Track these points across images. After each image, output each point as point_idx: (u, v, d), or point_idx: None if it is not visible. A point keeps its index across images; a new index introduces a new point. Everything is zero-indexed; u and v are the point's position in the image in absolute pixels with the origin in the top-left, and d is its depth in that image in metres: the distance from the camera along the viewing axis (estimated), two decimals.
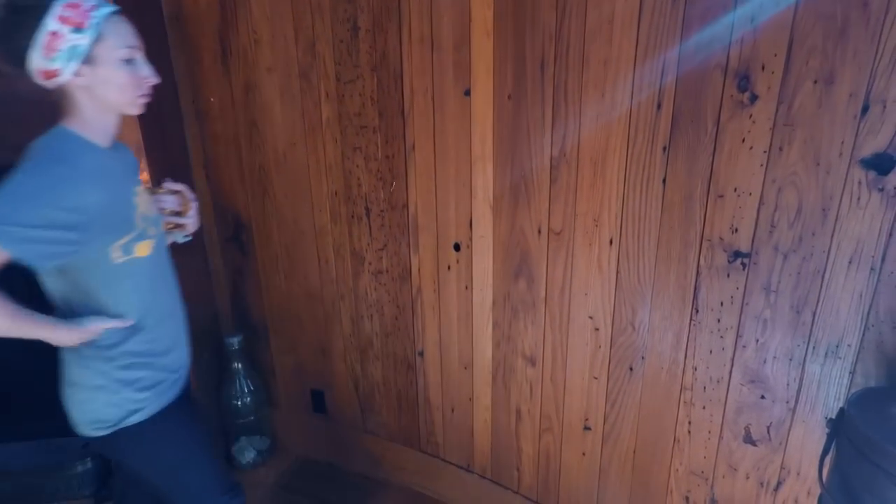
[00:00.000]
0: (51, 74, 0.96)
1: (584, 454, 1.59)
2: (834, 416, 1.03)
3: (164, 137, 1.81)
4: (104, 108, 1.03)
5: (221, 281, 2.12)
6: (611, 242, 1.36)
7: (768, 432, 1.24)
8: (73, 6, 0.94)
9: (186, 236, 1.37)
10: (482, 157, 1.49)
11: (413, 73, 1.52)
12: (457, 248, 1.61)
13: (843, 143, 1.02)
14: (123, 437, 1.15)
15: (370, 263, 1.80)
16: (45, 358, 1.93)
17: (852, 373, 1.11)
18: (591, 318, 1.45)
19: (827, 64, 1.01)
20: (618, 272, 1.37)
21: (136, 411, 1.14)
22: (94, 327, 1.07)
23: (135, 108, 1.07)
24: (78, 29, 0.94)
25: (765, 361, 1.21)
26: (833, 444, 1.01)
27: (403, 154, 1.63)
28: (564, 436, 1.61)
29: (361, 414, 2.03)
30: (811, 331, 1.13)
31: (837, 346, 1.11)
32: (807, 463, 1.20)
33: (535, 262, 1.50)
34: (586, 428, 1.56)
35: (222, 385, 2.11)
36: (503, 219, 1.52)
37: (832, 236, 1.07)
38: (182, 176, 1.95)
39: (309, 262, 1.92)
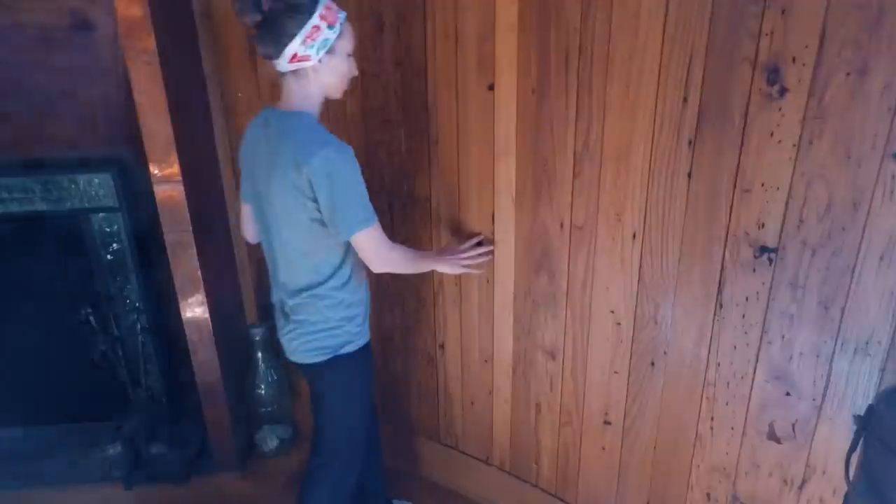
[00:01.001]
0: (303, 59, 1.19)
1: (603, 448, 1.59)
2: (862, 414, 1.01)
3: (193, 132, 1.86)
4: (324, 91, 1.27)
5: (246, 272, 2.17)
6: (634, 237, 1.35)
7: (793, 429, 1.22)
8: (329, 7, 1.20)
9: None
10: (505, 151, 1.50)
11: (437, 67, 1.54)
12: (479, 243, 1.62)
13: (875, 136, 1.00)
14: (334, 364, 1.37)
15: None
16: (79, 345, 2.00)
17: (882, 370, 1.09)
18: (612, 312, 1.45)
19: (860, 55, 0.99)
20: (640, 267, 1.36)
21: (349, 343, 1.37)
22: (471, 254, 1.52)
23: (341, 94, 1.31)
24: (331, 25, 1.19)
25: (790, 358, 1.19)
26: (861, 441, 0.99)
27: (427, 148, 1.64)
28: (584, 430, 1.61)
29: (382, 405, 2.06)
30: (839, 327, 1.11)
31: (867, 344, 1.09)
32: (832, 461, 1.18)
33: (556, 256, 1.50)
34: (606, 422, 1.55)
35: (245, 374, 2.16)
36: (525, 213, 1.52)
37: (863, 231, 1.05)
38: (209, 168, 2.00)
39: None
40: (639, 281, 1.38)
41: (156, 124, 1.72)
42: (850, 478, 0.98)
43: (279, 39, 1.17)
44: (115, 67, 1.84)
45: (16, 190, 1.93)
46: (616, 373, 1.49)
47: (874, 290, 1.06)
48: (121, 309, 2.09)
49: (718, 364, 1.31)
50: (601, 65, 1.28)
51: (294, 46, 1.17)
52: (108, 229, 2.02)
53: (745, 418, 1.29)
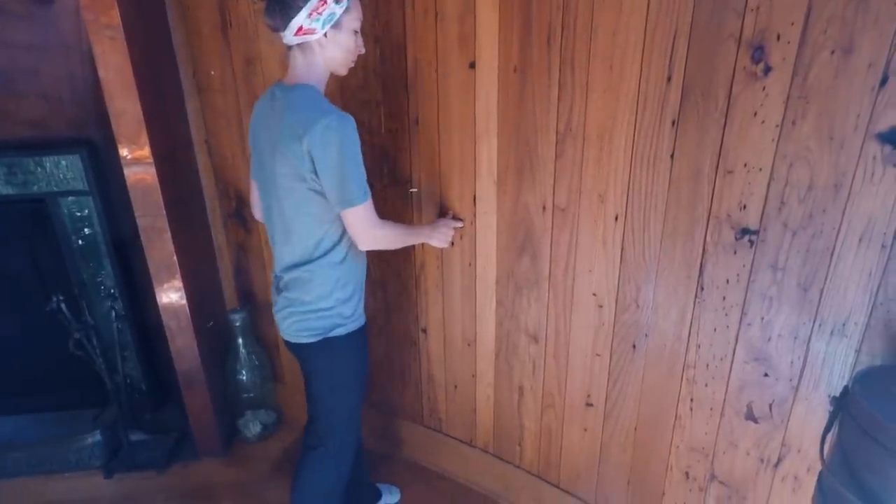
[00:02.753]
0: (308, 32, 1.19)
1: (585, 430, 1.60)
2: (838, 394, 1.02)
3: (164, 111, 1.79)
4: (329, 67, 1.27)
5: (224, 256, 2.12)
6: (616, 219, 1.34)
7: (770, 410, 1.24)
8: None
9: None
10: (487, 131, 1.46)
11: (417, 45, 1.49)
12: (460, 223, 1.60)
13: (858, 116, 0.99)
14: (324, 347, 1.35)
15: None
16: (57, 333, 1.94)
17: (858, 351, 1.10)
18: (594, 294, 1.44)
19: (846, 32, 0.97)
20: (623, 249, 1.36)
21: (340, 325, 1.35)
22: (451, 224, 1.55)
23: (346, 70, 1.31)
24: (337, 1, 1.19)
25: (769, 339, 1.20)
26: (836, 421, 1.00)
27: (407, 129, 1.60)
28: (567, 412, 1.62)
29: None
30: (818, 309, 1.12)
31: (844, 325, 1.10)
32: (808, 440, 1.20)
33: (539, 238, 1.48)
34: (588, 404, 1.56)
35: (227, 359, 2.13)
36: (508, 195, 1.49)
37: (843, 213, 1.05)
38: (183, 150, 1.93)
39: None
40: (621, 263, 1.37)
41: (124, 103, 1.65)
42: (825, 457, 1.00)
43: (286, 12, 1.18)
44: (79, 43, 1.75)
45: None
46: (598, 355, 1.49)
47: (853, 272, 1.06)
48: (95, 296, 2.04)
49: (699, 346, 1.31)
50: (584, 42, 1.24)
51: (300, 19, 1.17)
52: (78, 213, 1.96)
53: (724, 399, 1.30)
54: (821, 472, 1.02)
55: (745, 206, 1.16)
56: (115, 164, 1.75)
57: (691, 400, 1.36)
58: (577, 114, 1.31)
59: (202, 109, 1.92)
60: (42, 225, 1.97)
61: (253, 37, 1.72)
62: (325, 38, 1.21)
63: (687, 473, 1.44)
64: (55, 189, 1.90)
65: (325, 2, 1.17)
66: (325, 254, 1.30)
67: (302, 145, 1.18)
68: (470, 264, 1.64)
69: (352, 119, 1.21)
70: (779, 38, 1.03)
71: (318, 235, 1.29)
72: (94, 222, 1.97)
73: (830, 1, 0.97)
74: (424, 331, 1.83)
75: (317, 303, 1.33)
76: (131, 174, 1.73)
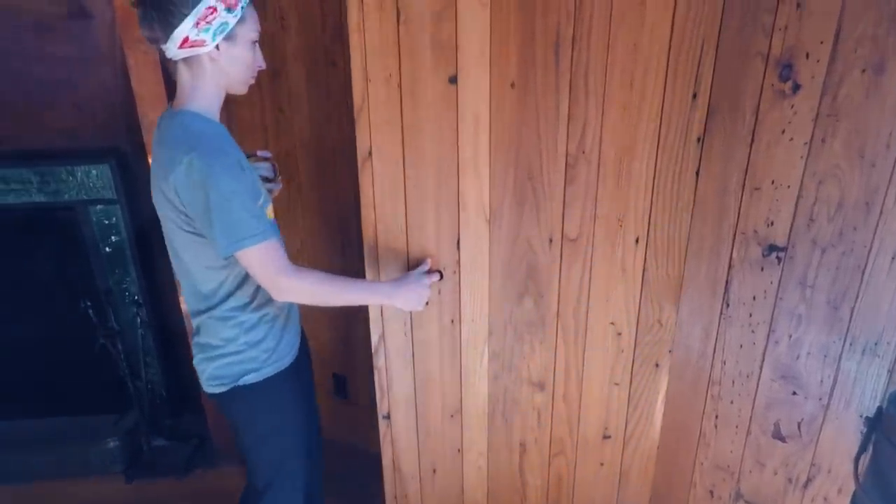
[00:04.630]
0: (195, 44, 1.04)
1: (602, 464, 1.52)
2: (871, 415, 1.01)
3: None
4: (223, 84, 1.12)
5: None
6: (637, 241, 1.29)
7: (799, 428, 1.22)
8: None
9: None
10: (474, 160, 1.25)
11: (367, 53, 1.19)
12: (438, 276, 1.34)
13: (890, 135, 0.99)
14: (237, 395, 1.21)
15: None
16: (80, 338, 1.98)
17: (891, 371, 1.08)
18: (612, 323, 1.36)
19: (877, 52, 0.97)
20: (644, 270, 1.32)
21: (253, 371, 1.20)
22: (424, 282, 1.25)
23: (245, 88, 1.16)
24: (230, 9, 1.04)
25: (797, 357, 1.19)
26: (870, 442, 0.99)
27: (351, 166, 1.37)
28: (579, 453, 1.50)
29: None
30: (848, 327, 1.11)
31: (876, 344, 1.08)
32: (838, 460, 1.18)
33: (544, 276, 1.33)
34: (606, 437, 1.48)
35: None
36: (504, 232, 1.31)
37: (875, 231, 1.04)
38: None
39: (334, 250, 1.93)
40: (642, 285, 1.33)
41: (155, 114, 1.69)
42: (859, 478, 0.98)
43: (166, 20, 1.01)
44: (113, 56, 1.81)
45: (13, 181, 1.91)
46: (616, 384, 1.42)
47: (885, 290, 1.05)
48: (120, 302, 2.08)
49: (724, 362, 1.30)
50: (600, 54, 1.14)
51: (184, 29, 1.01)
52: (106, 221, 2.00)
53: (751, 416, 1.29)
54: (854, 494, 1.01)
55: (772, 223, 1.15)
56: (143, 173, 1.79)
57: (716, 417, 1.35)
58: (591, 134, 1.20)
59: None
60: (71, 232, 2.02)
61: (279, 49, 1.75)
62: (216, 51, 1.06)
63: (711, 492, 1.42)
64: (85, 197, 1.96)
65: (215, 10, 1.02)
66: (227, 298, 1.15)
67: (169, 185, 1.05)
68: (452, 321, 1.38)
69: (224, 152, 1.05)
70: (808, 56, 1.04)
71: (218, 279, 1.14)
72: (121, 230, 2.02)
73: (861, 21, 0.97)
74: (387, 417, 1.51)
75: (225, 347, 1.18)
76: None
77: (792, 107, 1.07)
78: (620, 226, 1.28)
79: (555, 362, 1.41)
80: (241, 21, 1.06)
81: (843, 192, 1.06)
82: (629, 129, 1.20)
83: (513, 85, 1.19)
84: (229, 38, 1.06)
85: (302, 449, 1.33)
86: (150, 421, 2.14)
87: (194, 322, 1.22)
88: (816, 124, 1.06)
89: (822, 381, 1.17)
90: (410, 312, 1.37)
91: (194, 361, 1.25)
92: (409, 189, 1.29)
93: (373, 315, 1.41)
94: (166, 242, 1.19)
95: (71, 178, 1.93)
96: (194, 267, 1.14)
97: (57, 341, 2.12)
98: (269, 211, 1.17)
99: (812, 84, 1.04)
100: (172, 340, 2.16)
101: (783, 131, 1.10)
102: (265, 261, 1.07)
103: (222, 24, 1.04)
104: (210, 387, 1.23)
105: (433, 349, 1.43)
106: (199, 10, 1.01)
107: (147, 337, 2.10)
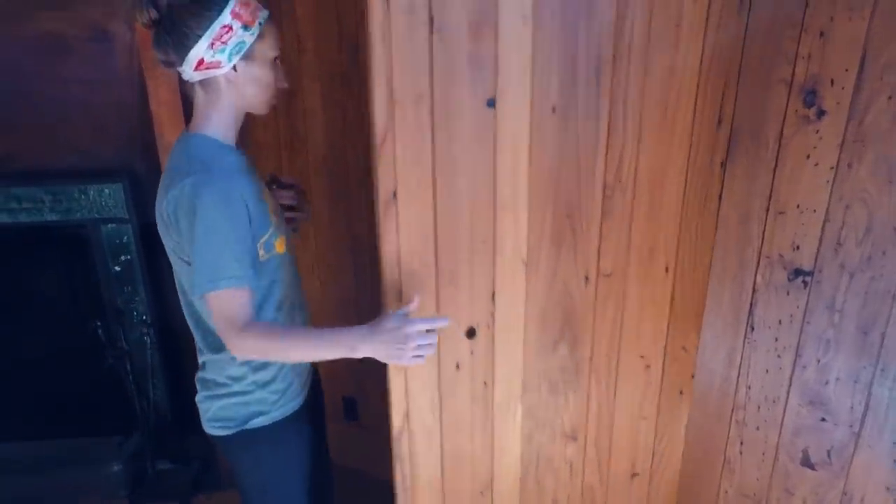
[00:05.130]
0: (211, 66, 0.99)
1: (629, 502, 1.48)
2: None
3: None
4: (241, 105, 1.06)
5: None
6: (667, 270, 1.25)
7: (829, 456, 1.20)
8: (246, 4, 0.99)
9: (295, 230, 1.32)
10: (513, 196, 1.10)
11: (395, 69, 0.97)
12: (471, 334, 1.17)
13: None
14: (243, 439, 1.13)
15: None
16: (85, 359, 1.95)
17: None
18: (642, 356, 1.32)
19: None
20: (672, 299, 1.29)
21: (261, 413, 1.13)
22: (418, 326, 0.99)
23: (266, 108, 1.10)
24: (247, 27, 0.98)
25: (826, 382, 1.17)
26: None
27: (367, 210, 1.22)
28: (609, 497, 1.45)
29: None
30: (879, 353, 1.09)
31: None
32: (872, 489, 1.16)
33: (580, 319, 1.22)
34: (634, 475, 1.44)
35: None
36: (541, 275, 1.17)
37: None
38: None
39: (346, 271, 1.92)
40: (670, 313, 1.30)
41: (172, 135, 1.70)
42: None
43: (181, 42, 0.96)
44: (131, 77, 1.82)
45: (25, 199, 1.90)
46: (644, 419, 1.38)
47: None
48: (129, 322, 2.05)
49: (749, 387, 1.29)
50: (638, 79, 1.09)
51: (199, 50, 0.96)
52: (117, 241, 1.99)
53: (778, 443, 1.27)
54: None
55: (798, 247, 1.15)
56: (154, 191, 1.79)
57: (741, 443, 1.33)
58: (627, 162, 1.14)
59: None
60: (80, 251, 2.00)
61: (295, 70, 1.76)
62: (234, 71, 1.00)
63: None
64: (96, 216, 1.95)
65: (231, 28, 0.96)
66: None
67: (165, 210, 1.00)
68: (486, 384, 1.21)
69: (221, 182, 0.98)
70: (832, 83, 1.05)
71: None
72: (131, 249, 2.00)
73: (885, 49, 0.98)
74: None
75: (230, 385, 1.11)
76: None
77: (817, 132, 1.08)
78: (651, 256, 1.24)
79: (587, 409, 1.31)
80: (259, 38, 1.01)
81: (871, 216, 1.05)
82: (662, 156, 1.16)
83: (554, 109, 1.07)
84: (247, 57, 1.01)
85: (304, 494, 1.25)
86: (155, 443, 2.10)
87: (200, 358, 1.15)
88: (843, 149, 1.06)
89: (852, 407, 1.15)
90: (440, 381, 1.18)
91: (196, 398, 1.17)
92: (441, 237, 1.08)
93: (395, 394, 1.16)
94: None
95: (83, 196, 1.92)
96: (197, 298, 1.06)
97: (61, 361, 2.09)
98: (280, 244, 1.11)
99: (837, 110, 1.05)
100: (179, 361, 2.13)
101: (808, 156, 1.10)
102: (223, 308, 0.97)
103: (239, 42, 0.98)
104: (213, 428, 1.16)
105: (464, 421, 1.23)
106: (214, 29, 0.96)
107: (155, 357, 2.07)
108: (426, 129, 1.03)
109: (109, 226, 1.97)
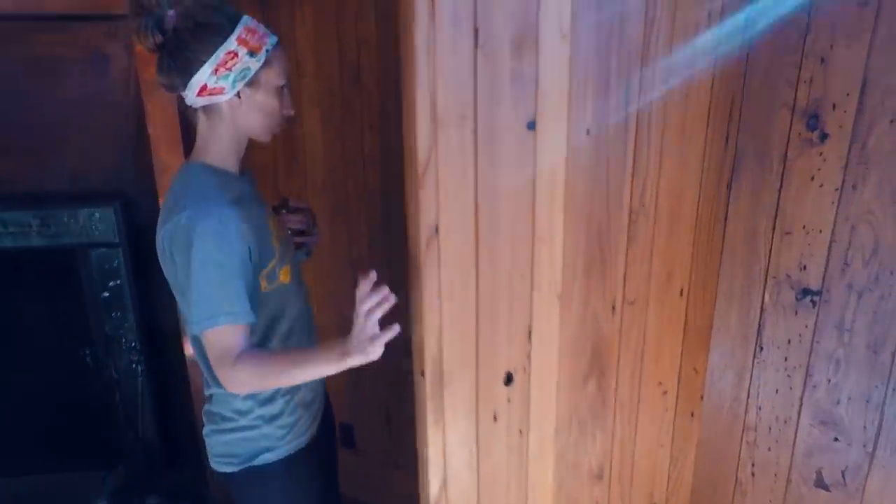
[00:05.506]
0: (214, 91, 0.96)
1: None
2: None
3: None
4: (244, 132, 1.04)
5: None
6: (681, 293, 1.25)
7: (843, 477, 1.20)
8: (252, 31, 0.97)
9: (307, 254, 1.29)
10: (549, 224, 1.01)
11: (439, 87, 0.85)
12: (509, 380, 1.06)
13: None
14: (250, 476, 1.09)
15: None
16: (67, 390, 1.87)
17: None
18: (660, 383, 1.30)
19: None
20: (685, 322, 1.28)
21: (268, 450, 1.09)
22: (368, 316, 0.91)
23: (270, 135, 1.07)
24: (253, 53, 0.96)
25: (838, 402, 1.18)
26: None
27: (420, 245, 0.92)
28: None
29: (393, 449, 1.97)
30: (891, 372, 1.10)
31: None
32: None
33: (607, 350, 1.17)
34: None
35: None
36: (573, 309, 1.09)
37: None
38: None
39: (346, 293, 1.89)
40: (684, 337, 1.29)
41: (169, 157, 1.67)
42: None
43: (184, 68, 0.95)
44: (127, 99, 1.79)
45: (11, 224, 1.83)
46: (661, 446, 1.36)
47: None
48: (117, 349, 1.98)
49: (759, 408, 1.28)
50: (660, 98, 1.05)
51: (202, 76, 0.94)
52: (106, 266, 1.93)
53: (790, 464, 1.26)
54: None
55: (805, 267, 1.16)
56: (149, 216, 1.75)
57: (752, 465, 1.32)
58: (650, 185, 1.10)
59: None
60: (67, 276, 1.94)
61: (295, 94, 1.76)
62: (237, 98, 0.98)
63: None
64: (86, 241, 1.89)
65: (236, 55, 0.94)
66: None
67: (162, 240, 0.98)
68: (521, 432, 1.11)
69: (217, 214, 0.94)
70: (834, 107, 1.08)
71: None
72: (121, 274, 1.94)
73: (886, 74, 1.02)
74: None
75: (237, 419, 1.07)
76: None
77: (820, 154, 1.10)
78: (669, 280, 1.22)
79: (612, 445, 1.26)
80: (265, 66, 0.98)
81: (878, 236, 1.07)
82: (678, 178, 1.15)
83: (588, 132, 1.00)
84: (252, 83, 0.98)
85: None
86: (143, 476, 2.00)
87: (206, 391, 1.11)
88: (846, 171, 1.08)
89: (865, 426, 1.15)
90: (478, 436, 1.06)
91: (204, 431, 1.14)
92: (482, 273, 0.97)
93: (433, 454, 1.03)
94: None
95: (72, 221, 1.86)
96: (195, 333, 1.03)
97: (47, 391, 2.00)
98: (284, 274, 1.08)
99: (840, 133, 1.08)
100: (170, 391, 2.05)
101: (812, 177, 1.12)
102: (218, 345, 0.94)
103: (243, 69, 0.96)
104: (218, 464, 1.12)
105: (500, 476, 1.12)
106: (219, 55, 0.93)
107: (146, 386, 1.99)
108: (469, 153, 0.91)
109: (99, 250, 1.92)
